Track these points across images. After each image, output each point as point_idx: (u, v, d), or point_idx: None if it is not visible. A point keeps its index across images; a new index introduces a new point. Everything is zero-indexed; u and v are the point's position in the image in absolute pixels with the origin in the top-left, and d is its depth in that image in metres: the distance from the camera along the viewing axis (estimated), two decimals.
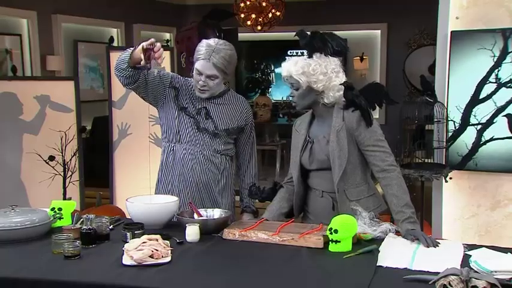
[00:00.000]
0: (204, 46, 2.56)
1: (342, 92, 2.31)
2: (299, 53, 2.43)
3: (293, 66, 2.31)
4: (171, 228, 2.29)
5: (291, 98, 2.42)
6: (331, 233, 2.03)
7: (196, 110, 2.63)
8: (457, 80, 3.42)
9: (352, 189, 2.35)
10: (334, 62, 2.33)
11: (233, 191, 2.77)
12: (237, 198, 2.82)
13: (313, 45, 2.34)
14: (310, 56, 2.34)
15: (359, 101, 2.28)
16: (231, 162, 2.74)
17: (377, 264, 1.89)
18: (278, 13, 6.90)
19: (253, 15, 6.92)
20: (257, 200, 2.72)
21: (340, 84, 2.31)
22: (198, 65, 2.56)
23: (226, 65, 2.55)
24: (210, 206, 2.58)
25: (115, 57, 4.63)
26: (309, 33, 2.38)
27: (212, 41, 2.57)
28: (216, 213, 2.43)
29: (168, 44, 8.18)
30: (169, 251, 1.98)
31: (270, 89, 8.68)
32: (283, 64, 2.37)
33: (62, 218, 2.38)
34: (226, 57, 2.54)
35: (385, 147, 2.33)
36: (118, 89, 4.62)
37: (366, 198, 2.36)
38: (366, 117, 2.29)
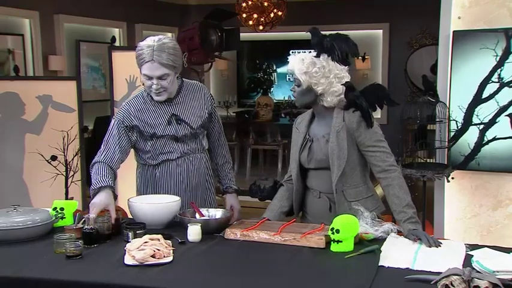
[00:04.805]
0: (144, 48, 2.39)
1: (341, 97, 2.31)
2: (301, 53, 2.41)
3: (298, 63, 2.31)
4: (172, 228, 2.29)
5: (292, 92, 2.42)
6: (333, 233, 2.03)
7: (166, 121, 2.51)
8: (459, 80, 3.42)
9: (351, 190, 2.34)
10: (339, 67, 2.32)
11: (214, 186, 2.72)
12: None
13: (323, 45, 2.33)
14: (318, 55, 2.33)
15: (360, 102, 2.27)
16: (208, 156, 2.70)
17: (379, 264, 1.88)
18: (280, 13, 6.89)
19: (255, 15, 6.91)
20: (258, 199, 2.71)
21: (342, 84, 2.30)
22: (145, 70, 2.39)
23: (174, 59, 2.41)
24: (200, 206, 2.54)
25: (117, 57, 4.72)
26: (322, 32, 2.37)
27: (150, 41, 2.41)
28: (217, 213, 2.43)
29: None
30: (171, 251, 1.98)
31: (272, 89, 8.69)
32: (290, 58, 2.36)
33: (64, 217, 2.38)
34: (171, 51, 2.40)
35: (385, 147, 2.33)
36: (120, 88, 4.62)
37: (365, 199, 2.35)
38: (366, 118, 2.29)
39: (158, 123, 2.52)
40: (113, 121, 2.56)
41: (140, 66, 2.43)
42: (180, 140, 2.54)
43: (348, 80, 2.34)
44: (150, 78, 2.42)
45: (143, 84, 2.51)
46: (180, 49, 2.47)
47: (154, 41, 2.41)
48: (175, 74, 2.48)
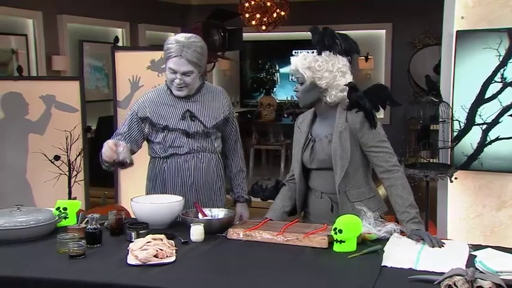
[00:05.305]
0: (173, 43, 2.47)
1: (345, 93, 2.31)
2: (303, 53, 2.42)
3: (301, 60, 2.33)
4: (175, 228, 2.29)
5: (295, 93, 2.42)
6: (335, 233, 2.03)
7: (180, 116, 2.56)
8: (462, 80, 3.41)
9: (353, 191, 2.34)
10: (342, 62, 2.34)
11: (225, 188, 2.73)
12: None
13: (324, 42, 2.34)
14: (319, 53, 2.34)
15: (363, 103, 2.27)
16: (221, 159, 2.71)
17: (382, 265, 1.88)
18: (283, 13, 6.89)
19: (258, 15, 6.91)
20: (260, 199, 2.72)
21: (345, 85, 2.31)
22: (171, 63, 2.48)
23: (200, 58, 2.49)
24: (207, 205, 2.55)
25: (120, 57, 4.73)
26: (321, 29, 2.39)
27: (180, 37, 2.50)
28: (220, 213, 2.43)
29: None
30: (174, 251, 1.99)
31: (275, 89, 8.69)
32: (292, 58, 2.38)
33: (67, 217, 2.39)
34: (198, 50, 2.48)
35: (388, 148, 2.33)
36: (123, 88, 4.63)
37: (367, 200, 2.35)
38: (369, 118, 2.29)
39: (171, 117, 2.58)
40: (129, 112, 2.67)
41: (167, 60, 2.51)
42: (191, 136, 2.58)
43: (351, 80, 2.34)
44: (174, 72, 2.49)
45: (165, 80, 2.59)
46: (207, 50, 2.56)
47: (185, 37, 2.50)
48: (199, 73, 2.55)
